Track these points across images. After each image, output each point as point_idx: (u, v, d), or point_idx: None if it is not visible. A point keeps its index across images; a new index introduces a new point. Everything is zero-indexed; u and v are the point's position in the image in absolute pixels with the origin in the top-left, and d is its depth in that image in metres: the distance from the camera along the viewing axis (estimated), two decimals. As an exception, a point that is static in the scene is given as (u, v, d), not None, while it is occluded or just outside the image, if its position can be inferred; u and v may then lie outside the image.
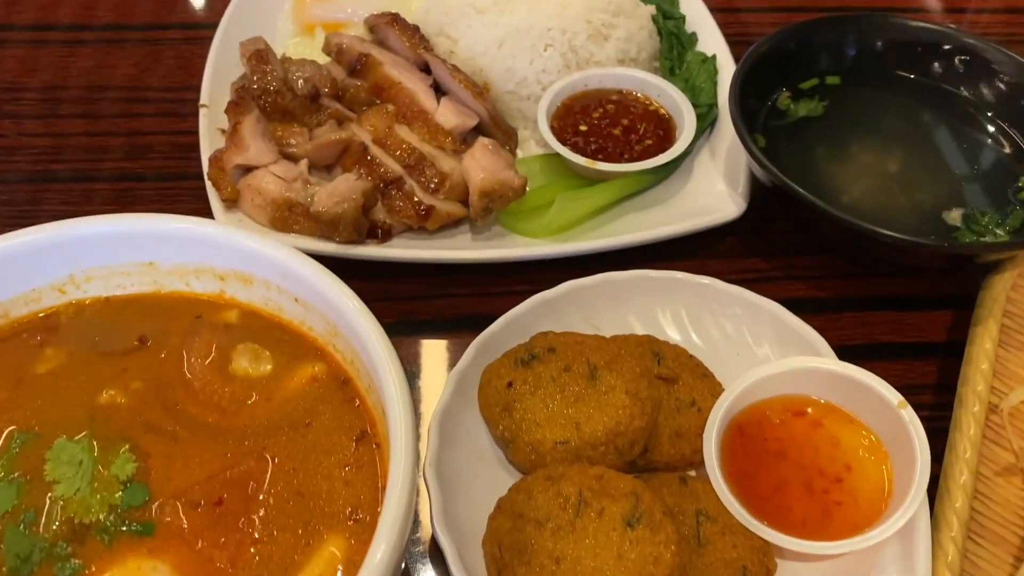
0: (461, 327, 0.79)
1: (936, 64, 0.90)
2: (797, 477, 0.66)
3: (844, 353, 0.72)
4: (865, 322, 0.81)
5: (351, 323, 0.58)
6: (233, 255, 0.62)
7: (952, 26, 0.90)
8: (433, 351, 0.78)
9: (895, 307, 0.82)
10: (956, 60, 0.89)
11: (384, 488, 0.54)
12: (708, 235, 0.84)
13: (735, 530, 0.62)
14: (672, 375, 0.70)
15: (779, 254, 0.85)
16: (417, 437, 0.53)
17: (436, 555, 0.64)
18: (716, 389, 0.70)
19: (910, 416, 0.64)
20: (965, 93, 0.89)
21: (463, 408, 0.69)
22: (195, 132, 0.89)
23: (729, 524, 0.62)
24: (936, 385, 0.77)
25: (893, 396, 0.65)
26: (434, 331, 0.80)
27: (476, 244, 0.82)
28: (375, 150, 0.84)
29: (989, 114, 0.87)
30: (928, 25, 0.90)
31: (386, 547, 0.47)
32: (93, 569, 0.52)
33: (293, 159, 0.83)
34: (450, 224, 0.83)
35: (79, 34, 1.06)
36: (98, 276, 0.64)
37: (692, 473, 0.68)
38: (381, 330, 0.57)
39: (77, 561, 0.53)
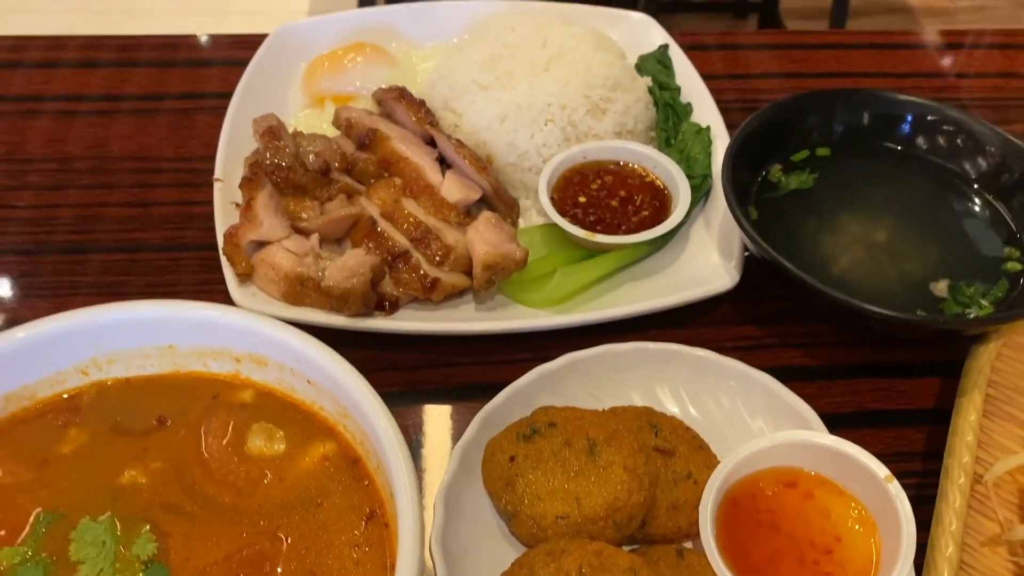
0: (466, 396, 0.82)
1: (923, 137, 0.93)
2: (789, 549, 0.68)
3: (835, 421, 0.75)
4: (856, 389, 0.84)
5: (361, 407, 0.61)
6: (249, 339, 0.65)
7: (937, 101, 0.93)
8: (439, 420, 0.81)
9: (885, 374, 0.85)
10: (942, 133, 0.92)
11: (393, 567, 0.57)
12: (704, 303, 0.87)
13: (731, 606, 0.65)
14: (669, 448, 0.73)
15: (772, 322, 0.88)
16: (423, 518, 0.56)
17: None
18: (712, 461, 0.73)
19: (896, 490, 0.67)
20: (951, 166, 0.92)
21: (468, 482, 0.71)
22: (207, 202, 0.93)
23: (725, 600, 0.65)
24: (924, 452, 0.80)
25: (880, 470, 0.68)
26: (440, 399, 0.83)
27: (480, 315, 0.85)
28: (383, 224, 0.88)
29: (975, 186, 0.91)
30: (914, 99, 0.94)
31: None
32: (117, 643, 0.55)
33: (305, 233, 0.86)
34: (454, 294, 0.86)
35: (93, 104, 1.10)
36: (119, 359, 0.67)
37: (688, 545, 0.70)
38: (390, 415, 0.59)
39: (100, 642, 0.55)
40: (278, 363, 0.66)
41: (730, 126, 1.00)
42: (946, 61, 1.19)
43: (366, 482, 0.63)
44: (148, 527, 0.60)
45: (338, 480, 0.63)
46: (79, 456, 0.64)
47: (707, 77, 1.06)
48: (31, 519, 0.60)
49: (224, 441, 0.65)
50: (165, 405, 0.67)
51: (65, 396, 0.67)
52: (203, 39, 1.21)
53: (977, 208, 0.90)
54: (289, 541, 0.60)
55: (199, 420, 0.66)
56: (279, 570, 0.58)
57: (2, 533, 0.60)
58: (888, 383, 0.84)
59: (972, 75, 1.18)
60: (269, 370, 0.67)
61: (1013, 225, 0.88)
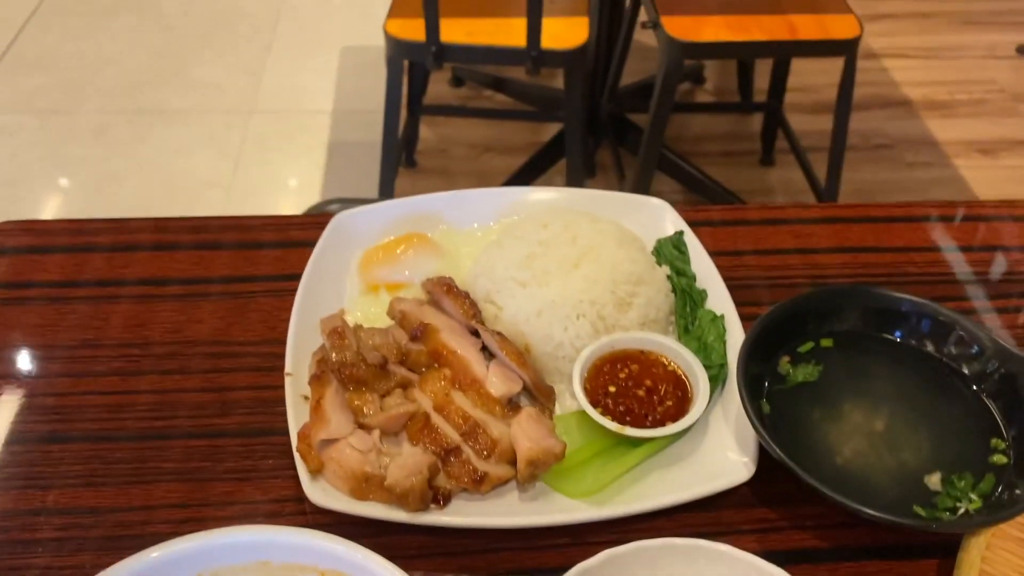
0: (509, 578, 0.93)
1: (919, 332, 1.04)
2: None
3: (843, 605, 0.85)
4: (862, 572, 0.93)
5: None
6: (332, 559, 0.76)
7: (931, 300, 1.04)
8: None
9: (888, 556, 0.95)
10: (936, 330, 1.03)
11: None
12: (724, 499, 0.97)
13: None
14: (696, 641, 0.83)
15: (785, 505, 0.98)
16: None
17: None
18: (734, 654, 0.82)
19: None
20: (947, 361, 1.03)
21: (520, 675, 0.81)
22: (276, 386, 1.04)
23: None
24: (926, 637, 0.89)
25: (883, 672, 0.78)
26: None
27: (523, 505, 0.96)
28: (436, 419, 0.99)
29: (967, 382, 1.02)
30: (910, 298, 1.05)
31: None
32: None
33: (367, 428, 0.98)
34: (499, 484, 0.97)
35: (164, 288, 1.21)
36: (223, 572, 0.78)
37: None
38: None
39: None
40: (358, 580, 0.76)
41: (740, 304, 1.12)
42: (946, 233, 1.31)
43: None
44: None
45: None
46: (188, 666, 0.74)
47: (716, 254, 1.19)
48: None
49: (313, 650, 0.75)
50: (260, 615, 0.77)
51: (174, 607, 0.77)
52: (257, 219, 1.33)
53: (966, 401, 1.01)
54: None
55: (290, 629, 0.76)
56: None
57: None
58: (890, 565, 0.94)
59: (975, 248, 1.29)
60: (349, 583, 0.77)
61: (999, 419, 0.98)
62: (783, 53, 3.16)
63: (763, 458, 0.99)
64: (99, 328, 1.16)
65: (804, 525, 0.97)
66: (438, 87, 3.81)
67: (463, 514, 0.93)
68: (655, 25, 2.81)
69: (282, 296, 1.16)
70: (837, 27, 2.83)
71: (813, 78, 3.92)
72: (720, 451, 1.00)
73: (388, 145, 2.84)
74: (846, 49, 2.84)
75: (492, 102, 3.81)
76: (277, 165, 3.50)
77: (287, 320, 1.10)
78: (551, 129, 3.49)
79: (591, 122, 3.46)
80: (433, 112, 3.59)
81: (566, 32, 2.69)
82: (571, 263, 1.09)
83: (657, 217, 1.24)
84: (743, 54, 3.32)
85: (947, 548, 0.93)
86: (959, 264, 1.27)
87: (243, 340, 1.15)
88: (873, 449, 0.98)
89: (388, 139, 2.84)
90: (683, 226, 1.22)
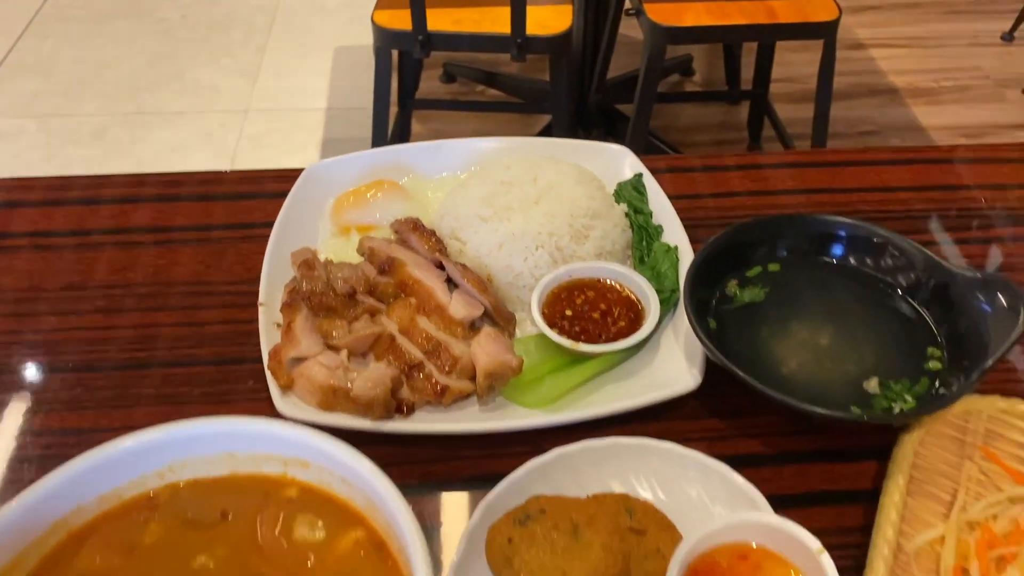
0: (472, 485, 0.97)
1: (857, 252, 1.10)
2: (740, 611, 0.82)
3: (785, 502, 0.90)
4: (804, 473, 0.98)
5: (384, 501, 0.75)
6: (295, 447, 0.81)
7: (867, 220, 1.10)
8: (449, 507, 0.96)
9: (829, 460, 1.00)
10: (873, 249, 1.08)
11: (413, 632, 0.72)
12: (673, 401, 1.02)
13: (690, 658, 0.79)
14: (642, 528, 0.88)
15: (732, 416, 1.03)
16: None
17: None
18: (677, 539, 0.87)
19: (827, 562, 0.81)
20: (883, 277, 1.09)
21: (473, 559, 0.86)
22: (251, 321, 1.10)
23: (685, 653, 0.79)
24: (862, 527, 0.93)
25: (814, 543, 0.82)
26: (450, 488, 0.98)
27: (483, 415, 1.01)
28: (401, 339, 1.04)
29: (903, 295, 1.07)
30: (848, 220, 1.11)
31: None
32: None
33: (335, 349, 1.03)
34: (461, 398, 1.02)
35: (145, 236, 1.28)
36: (189, 464, 0.83)
37: (657, 610, 0.85)
38: (408, 507, 0.74)
39: None
40: (318, 466, 0.81)
41: (695, 242, 1.18)
42: (891, 176, 1.36)
43: (390, 561, 0.78)
44: (218, 603, 0.75)
45: (368, 561, 0.78)
46: (158, 546, 0.80)
47: (676, 198, 1.24)
48: (122, 598, 0.76)
49: (276, 530, 0.80)
50: (226, 501, 0.82)
51: (145, 496, 0.83)
52: (238, 173, 1.39)
53: (904, 314, 1.06)
54: (330, 611, 0.75)
55: (255, 513, 0.81)
56: (322, 635, 0.73)
57: (101, 609, 0.75)
58: (831, 467, 0.99)
59: (910, 188, 1.34)
60: (311, 471, 0.82)
61: (934, 329, 1.03)
62: (763, 36, 3.22)
63: (713, 373, 1.04)
64: (84, 273, 1.21)
65: (749, 433, 1.02)
66: (430, 84, 3.88)
67: (426, 423, 0.99)
68: (639, 12, 2.88)
69: (258, 241, 1.21)
70: (816, 10, 2.89)
71: (799, 68, 3.99)
72: (670, 365, 1.05)
73: (378, 133, 2.91)
74: (825, 31, 2.90)
75: (484, 97, 3.88)
76: (271, 162, 3.57)
77: (262, 261, 1.16)
78: (542, 120, 3.56)
79: (580, 113, 3.53)
80: (424, 107, 3.66)
81: (550, 19, 2.75)
82: (531, 200, 1.15)
83: (618, 162, 1.30)
84: (724, 38, 3.38)
85: (884, 452, 0.98)
86: (909, 202, 1.32)
87: (220, 280, 1.20)
88: (816, 361, 1.03)
89: (378, 128, 2.91)
90: (642, 169, 1.27)
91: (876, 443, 1.00)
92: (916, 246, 1.06)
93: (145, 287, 1.20)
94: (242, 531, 0.80)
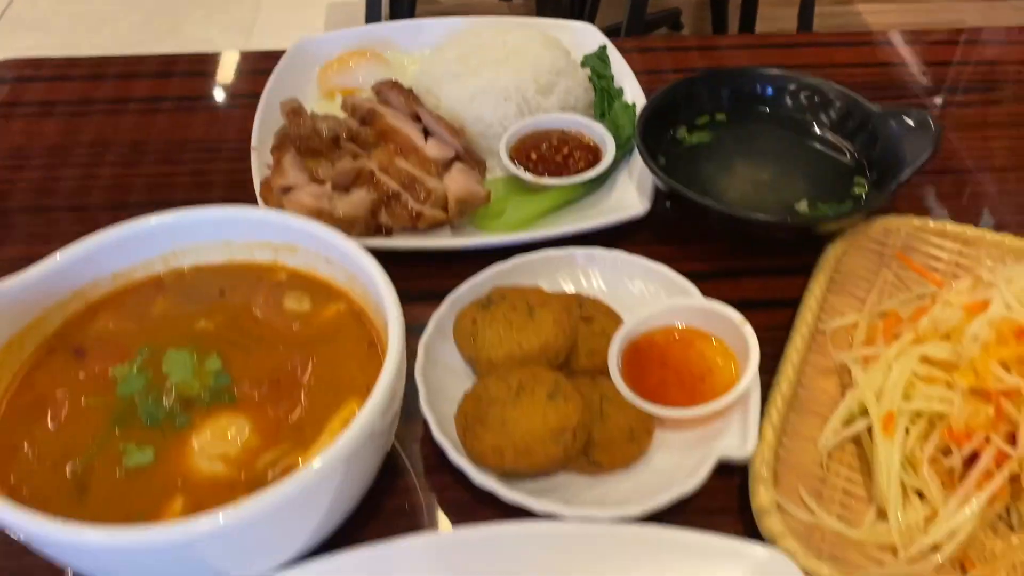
0: (439, 297, 1.09)
1: (792, 100, 1.21)
2: (674, 378, 0.94)
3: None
4: (740, 287, 1.09)
5: (366, 271, 0.87)
6: (285, 231, 0.92)
7: (798, 71, 1.21)
8: (422, 310, 1.07)
9: (764, 275, 1.11)
10: (804, 96, 1.20)
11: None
12: (625, 232, 1.14)
13: (627, 408, 0.90)
14: (589, 316, 0.99)
15: (678, 244, 1.14)
16: (404, 341, 0.81)
17: (426, 431, 0.93)
18: (620, 323, 0.99)
19: (748, 331, 0.93)
20: (812, 119, 1.20)
21: (441, 340, 0.98)
22: (247, 171, 1.21)
23: (623, 404, 0.90)
24: (788, 326, 1.05)
25: (736, 317, 0.94)
26: (423, 299, 1.09)
27: (454, 237, 1.12)
28: (380, 175, 1.15)
29: (830, 132, 1.18)
30: (783, 72, 1.22)
31: (386, 378, 0.76)
32: (197, 421, 0.81)
33: (320, 182, 1.14)
34: (435, 225, 1.13)
35: (159, 104, 1.39)
36: (190, 250, 0.94)
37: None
38: (386, 275, 0.85)
39: (186, 417, 0.81)
40: (305, 249, 0.93)
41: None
42: (839, 55, 1.47)
43: (368, 327, 0.89)
44: (216, 354, 0.86)
45: (347, 324, 0.90)
46: (165, 315, 0.91)
47: (640, 72, 1.35)
48: (135, 352, 0.87)
49: (267, 304, 0.92)
50: (224, 283, 0.94)
51: (153, 278, 0.94)
52: (235, 54, 1.50)
53: (833, 149, 1.17)
54: (315, 359, 0.86)
55: (249, 292, 0.93)
56: (309, 375, 0.85)
57: (118, 361, 0.86)
58: (766, 281, 1.10)
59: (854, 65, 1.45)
60: (298, 255, 0.94)
61: (859, 160, 1.15)
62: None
63: (661, 207, 1.15)
64: (109, 134, 1.34)
65: (692, 256, 1.13)
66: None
67: (402, 241, 1.10)
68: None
69: (251, 109, 1.32)
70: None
71: (784, 24, 4.09)
72: (624, 198, 1.17)
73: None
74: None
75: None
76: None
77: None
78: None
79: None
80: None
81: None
82: (500, 58, 1.26)
83: (585, 38, 1.41)
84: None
85: (810, 268, 1.09)
86: (854, 75, 1.43)
87: (220, 139, 1.32)
88: (755, 191, 1.14)
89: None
90: (607, 42, 1.38)
91: (807, 261, 1.11)
92: (841, 89, 1.18)
93: (154, 144, 1.31)
94: (238, 305, 0.92)
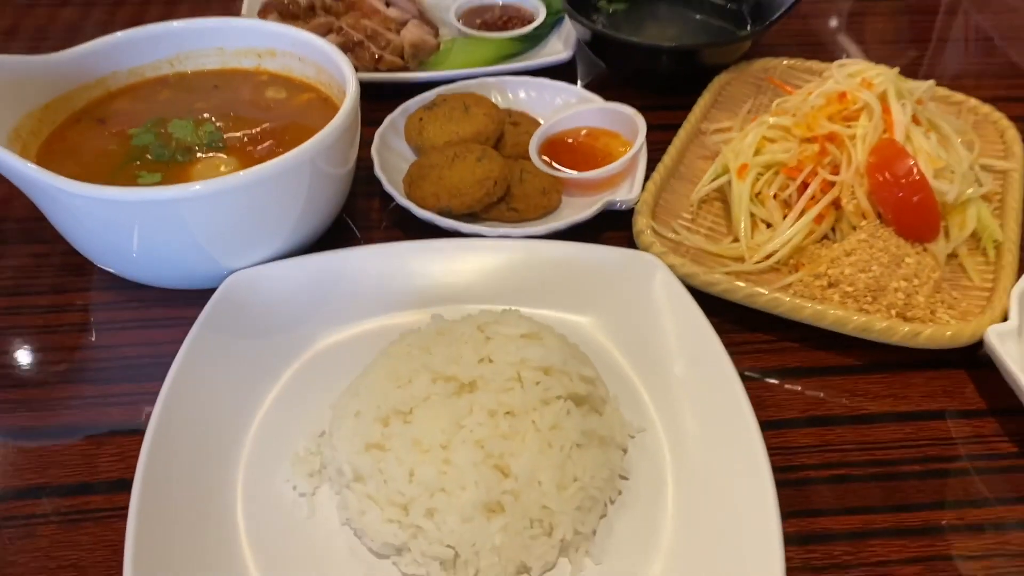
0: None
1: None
2: (581, 160, 1.16)
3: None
4: (645, 116, 1.32)
5: (330, 58, 1.09)
6: (268, 37, 1.14)
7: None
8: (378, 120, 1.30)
9: (666, 109, 1.34)
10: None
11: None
12: (553, 76, 1.37)
13: (541, 175, 1.12)
14: (517, 121, 1.22)
15: (596, 88, 1.37)
16: (357, 103, 1.03)
17: (381, 196, 1.14)
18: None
19: (639, 118, 1.15)
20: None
21: (394, 136, 1.20)
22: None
23: (538, 173, 1.12)
24: (683, 141, 1.27)
25: (630, 110, 1.17)
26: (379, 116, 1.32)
27: (408, 74, 1.36)
28: (348, 29, 1.39)
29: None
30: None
31: (338, 119, 0.98)
32: (196, 158, 1.03)
33: (298, 35, 1.37)
34: (394, 69, 1.36)
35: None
36: (191, 56, 1.16)
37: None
38: (347, 59, 1.08)
39: (187, 156, 1.03)
40: (283, 51, 1.15)
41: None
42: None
43: (332, 107, 1.12)
44: (211, 122, 1.08)
45: (316, 107, 1.12)
46: (170, 100, 1.12)
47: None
48: (146, 121, 1.09)
49: (252, 93, 1.14)
50: (217, 81, 1.16)
51: (160, 77, 1.16)
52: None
53: (724, 10, 1.42)
54: (289, 124, 1.08)
55: (237, 87, 1.15)
56: (285, 132, 1.07)
57: (133, 127, 1.08)
58: (665, 113, 1.32)
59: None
60: (277, 59, 1.16)
61: (745, 15, 1.40)
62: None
63: (582, 61, 1.39)
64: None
65: (608, 97, 1.36)
66: None
67: (364, 74, 1.32)
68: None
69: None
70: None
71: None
72: (552, 51, 1.40)
73: None
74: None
75: None
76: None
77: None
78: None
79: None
80: None
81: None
82: (452, -52, 1.50)
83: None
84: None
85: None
86: None
87: (208, 11, 1.54)
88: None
89: None
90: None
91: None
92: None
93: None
94: (228, 95, 1.14)
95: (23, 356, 0.97)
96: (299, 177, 0.95)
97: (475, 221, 1.09)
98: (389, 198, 1.10)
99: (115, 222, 0.91)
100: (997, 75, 1.47)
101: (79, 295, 1.04)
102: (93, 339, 0.99)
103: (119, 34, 1.12)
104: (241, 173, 0.89)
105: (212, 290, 0.94)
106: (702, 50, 1.31)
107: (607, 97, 1.26)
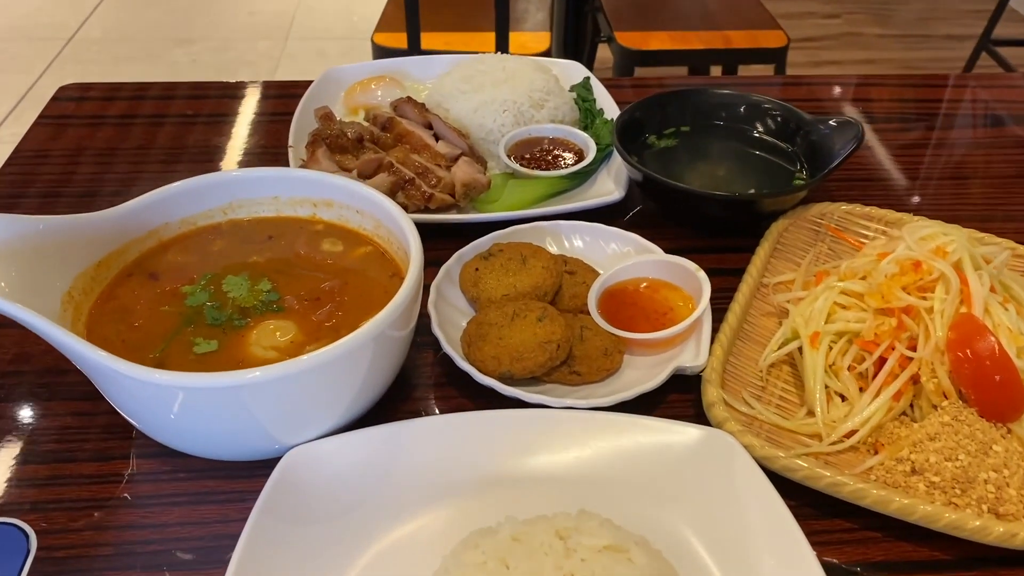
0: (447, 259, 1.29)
1: (741, 113, 1.45)
2: (641, 314, 1.13)
3: (684, 272, 1.22)
4: (699, 260, 1.29)
5: (390, 215, 1.06)
6: (324, 188, 1.13)
7: (746, 92, 1.45)
8: (433, 271, 1.27)
9: (720, 252, 1.32)
10: (749, 111, 1.44)
11: (405, 294, 1.03)
12: (602, 215, 1.34)
13: (602, 333, 1.09)
14: (573, 270, 1.19)
15: (647, 227, 1.35)
16: (422, 272, 1.01)
17: (436, 353, 1.11)
18: (597, 276, 1.19)
19: (702, 276, 1.13)
20: (760, 127, 1.43)
21: (449, 286, 1.17)
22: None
23: (599, 331, 1.09)
24: (736, 288, 1.24)
25: (692, 266, 1.14)
26: (435, 265, 1.29)
27: (461, 214, 1.33)
28: (398, 165, 1.37)
29: (772, 137, 1.42)
30: (733, 91, 1.46)
31: (407, 285, 0.95)
32: (252, 324, 1.00)
33: (347, 171, 1.36)
34: (444, 207, 1.34)
35: (195, 119, 1.62)
36: (245, 204, 1.14)
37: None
38: (408, 217, 1.05)
39: (244, 321, 1.00)
40: (340, 203, 1.13)
41: (632, 127, 1.52)
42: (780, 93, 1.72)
43: (391, 262, 1.09)
44: (267, 279, 1.06)
45: (374, 261, 1.09)
46: (223, 251, 1.10)
47: (619, 101, 1.59)
48: (201, 276, 1.06)
49: (307, 246, 1.12)
50: (272, 230, 1.14)
51: (212, 225, 1.14)
52: (264, 83, 1.73)
53: (777, 152, 1.40)
54: (348, 283, 1.05)
55: (292, 238, 1.13)
56: (344, 295, 1.04)
57: (186, 282, 1.05)
58: (721, 256, 1.30)
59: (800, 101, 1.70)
60: (333, 209, 1.14)
61: (799, 159, 1.38)
62: (720, 59, 3.64)
63: (633, 197, 1.37)
64: (149, 140, 1.55)
65: (659, 237, 1.32)
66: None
67: (418, 215, 1.30)
68: (610, 39, 3.30)
69: (284, 125, 1.55)
70: (767, 39, 3.32)
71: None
72: (602, 191, 1.38)
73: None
74: (775, 57, 3.31)
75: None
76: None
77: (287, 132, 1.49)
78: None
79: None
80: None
81: (531, 42, 3.15)
82: (499, 80, 1.50)
83: (572, 72, 1.65)
84: (685, 60, 3.80)
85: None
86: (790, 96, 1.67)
87: (251, 147, 1.54)
88: (713, 183, 1.36)
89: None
90: (590, 75, 1.63)
91: (756, 242, 1.32)
92: (779, 103, 1.41)
93: (191, 151, 1.53)
94: (283, 246, 1.12)
95: (68, 537, 0.92)
96: (364, 353, 0.92)
97: (535, 383, 1.06)
98: (438, 347, 1.07)
99: (168, 403, 0.88)
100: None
101: (124, 463, 1.00)
102: (142, 516, 0.94)
103: (174, 185, 1.10)
104: (305, 358, 0.86)
105: (262, 461, 0.90)
106: (759, 200, 1.28)
107: (657, 236, 1.24)
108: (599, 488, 0.93)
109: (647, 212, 1.39)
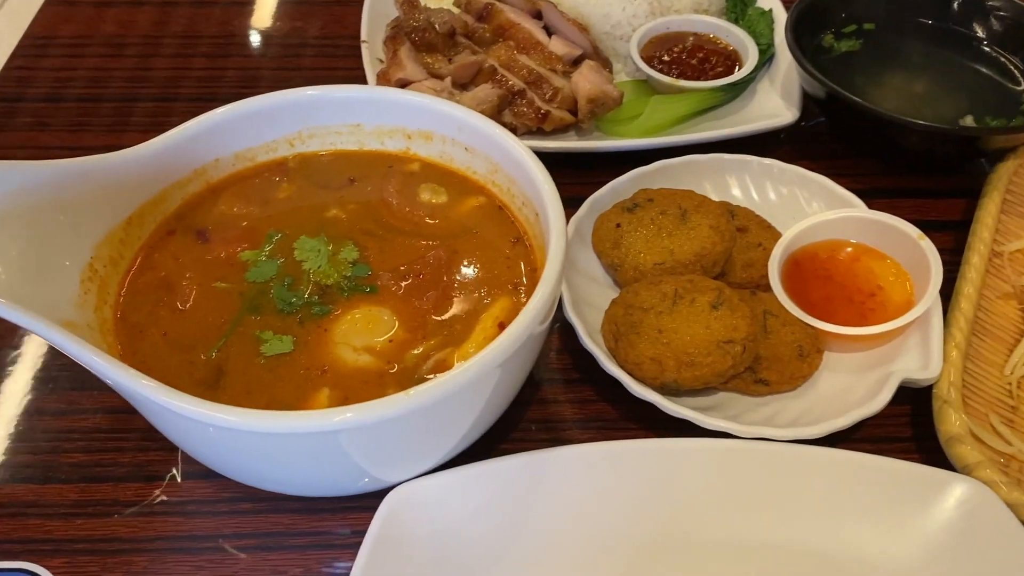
0: (571, 204, 0.99)
1: (949, 10, 1.11)
2: (840, 293, 0.86)
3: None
4: (894, 206, 0.99)
5: (514, 157, 0.78)
6: (421, 115, 0.84)
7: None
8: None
9: (920, 196, 1.02)
10: (963, 6, 1.10)
11: (533, 269, 0.76)
12: (768, 143, 1.05)
13: (793, 323, 0.82)
14: (743, 226, 0.91)
15: (825, 158, 1.06)
16: (567, 240, 0.73)
17: (566, 340, 0.86)
18: (777, 236, 0.90)
19: (928, 246, 0.84)
20: (975, 31, 1.10)
21: (580, 246, 0.90)
22: (350, 68, 1.13)
23: (788, 319, 0.82)
24: (952, 248, 0.96)
25: (913, 231, 0.85)
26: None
27: (582, 141, 1.04)
28: (502, 71, 1.07)
29: (993, 46, 1.08)
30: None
31: (549, 278, 0.68)
32: (338, 311, 0.74)
33: (439, 77, 1.06)
34: (560, 128, 1.04)
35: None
36: (317, 134, 0.86)
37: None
38: (544, 168, 0.77)
39: (326, 307, 0.74)
40: (442, 136, 0.85)
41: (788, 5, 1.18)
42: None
43: (512, 221, 0.82)
44: (351, 243, 0.79)
45: (489, 219, 0.82)
46: (292, 200, 0.84)
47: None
48: (265, 236, 0.80)
49: (401, 194, 0.84)
50: (353, 170, 0.86)
51: (277, 162, 0.86)
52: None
53: (996, 64, 1.07)
54: (457, 253, 0.79)
55: (380, 182, 0.85)
56: (453, 270, 0.77)
57: (245, 245, 0.79)
58: (922, 202, 1.01)
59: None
60: (433, 144, 0.86)
61: (1021, 66, 1.06)
62: None
63: (804, 123, 1.06)
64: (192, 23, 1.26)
65: (843, 173, 1.02)
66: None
67: (534, 140, 1.01)
68: None
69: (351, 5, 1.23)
70: None
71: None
72: (767, 106, 1.07)
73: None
74: None
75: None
76: None
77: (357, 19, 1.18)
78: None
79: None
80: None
81: None
82: (630, -46, 1.16)
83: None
84: None
85: (973, 191, 0.99)
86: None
87: (318, 36, 1.24)
88: (911, 104, 1.05)
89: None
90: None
91: (967, 184, 1.02)
92: (1016, 1, 1.07)
93: (240, 39, 1.23)
94: (370, 193, 0.84)
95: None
96: (490, 379, 0.66)
97: (706, 391, 0.81)
98: (572, 335, 0.81)
99: (233, 445, 0.64)
100: None
101: (170, 486, 0.77)
102: (196, 568, 0.72)
103: (227, 110, 0.82)
104: (414, 395, 0.60)
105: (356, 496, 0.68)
106: (989, 136, 0.97)
107: (832, 172, 0.95)
108: (806, 555, 0.68)
109: (822, 136, 1.09)
